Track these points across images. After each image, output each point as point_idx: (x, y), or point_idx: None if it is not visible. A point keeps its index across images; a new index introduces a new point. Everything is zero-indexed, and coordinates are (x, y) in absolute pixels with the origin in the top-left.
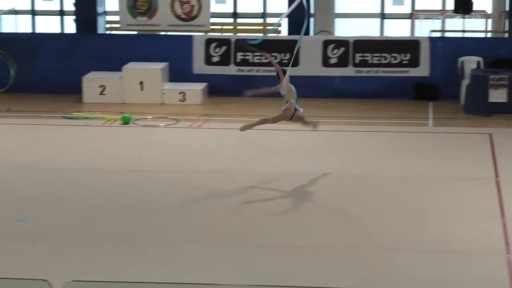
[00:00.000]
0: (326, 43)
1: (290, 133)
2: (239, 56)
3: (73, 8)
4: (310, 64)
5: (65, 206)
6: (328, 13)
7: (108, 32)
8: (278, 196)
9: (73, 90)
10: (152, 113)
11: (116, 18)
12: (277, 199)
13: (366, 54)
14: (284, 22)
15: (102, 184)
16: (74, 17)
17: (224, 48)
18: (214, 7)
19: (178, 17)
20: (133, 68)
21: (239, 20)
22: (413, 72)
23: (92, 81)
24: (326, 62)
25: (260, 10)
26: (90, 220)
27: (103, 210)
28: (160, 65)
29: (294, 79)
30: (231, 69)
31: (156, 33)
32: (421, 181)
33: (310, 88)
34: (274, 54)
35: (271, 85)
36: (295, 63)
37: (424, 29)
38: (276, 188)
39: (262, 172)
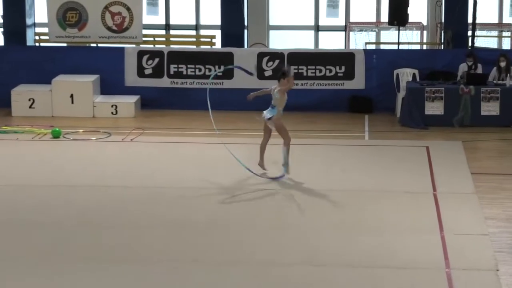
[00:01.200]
0: (261, 56)
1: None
2: (173, 68)
3: (0, 20)
4: (245, 76)
5: None
6: (262, 25)
7: (37, 44)
8: (205, 211)
9: (2, 104)
10: (83, 127)
11: (46, 30)
12: (204, 214)
13: (301, 67)
14: (217, 33)
15: (26, 200)
16: (2, 29)
17: (156, 60)
18: (146, 19)
19: (109, 28)
20: (63, 81)
21: (172, 32)
22: (348, 84)
23: (21, 94)
24: (261, 75)
25: (193, 22)
26: (14, 237)
27: (22, 226)
28: (91, 78)
29: (228, 92)
30: (164, 82)
31: (87, 45)
32: (359, 194)
33: (245, 101)
34: (208, 66)
35: (203, 97)
36: (230, 76)
37: (359, 41)
38: (204, 203)
39: (192, 187)
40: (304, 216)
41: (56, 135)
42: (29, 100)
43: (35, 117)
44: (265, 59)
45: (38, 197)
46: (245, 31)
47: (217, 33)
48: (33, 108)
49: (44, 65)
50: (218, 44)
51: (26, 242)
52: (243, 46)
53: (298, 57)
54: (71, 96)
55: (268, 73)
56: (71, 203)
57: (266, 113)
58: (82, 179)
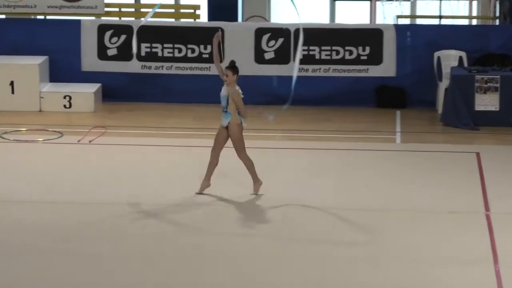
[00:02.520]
0: (260, 32)
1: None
2: (144, 48)
3: None
4: (239, 59)
5: None
6: None
7: None
8: (175, 229)
9: None
10: (26, 124)
11: None
12: (175, 232)
13: (312, 47)
14: (203, 3)
15: None
16: None
17: (123, 37)
18: None
19: None
20: (0, 64)
21: (143, 1)
22: (374, 71)
23: None
24: (260, 58)
25: None
26: None
27: None
28: (37, 60)
29: (218, 79)
30: (133, 66)
31: (31, 17)
32: (388, 215)
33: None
34: (190, 45)
35: (184, 86)
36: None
37: (389, 14)
38: (176, 220)
39: (163, 203)
40: (319, 244)
41: None
42: None
43: None
44: (265, 37)
45: None
46: (240, 0)
47: (203, 3)
48: None
49: None
50: (203, 17)
51: None
52: (236, 20)
53: (309, 35)
54: (11, 84)
55: (269, 55)
56: (3, 224)
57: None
58: (23, 192)
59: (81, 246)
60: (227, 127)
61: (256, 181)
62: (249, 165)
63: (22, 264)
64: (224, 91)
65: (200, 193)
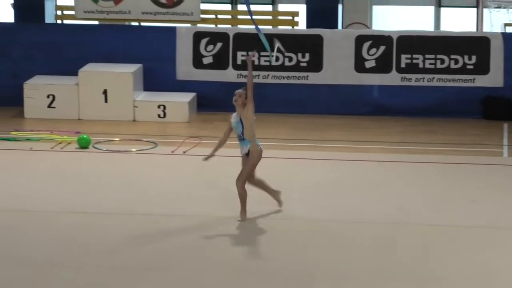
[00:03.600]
0: (360, 40)
1: (301, 163)
2: (240, 56)
3: None
4: (338, 68)
5: None
6: None
7: (59, 21)
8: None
9: (11, 101)
10: (120, 134)
11: (71, 2)
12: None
13: (415, 56)
14: (302, 10)
15: (36, 230)
16: (12, 0)
17: (219, 45)
18: None
19: (156, 1)
20: (93, 72)
21: (240, 7)
22: (481, 80)
23: (37, 88)
24: (360, 66)
25: None
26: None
27: (34, 265)
28: (131, 68)
29: (316, 89)
30: (229, 74)
31: (126, 23)
32: (498, 233)
33: (338, 102)
34: (288, 54)
35: (281, 96)
36: (318, 68)
37: (496, 21)
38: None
39: (256, 215)
40: (429, 264)
41: (83, 145)
42: (48, 97)
43: (56, 120)
44: (366, 44)
45: (51, 229)
46: (340, 6)
47: (301, 9)
48: (53, 107)
49: (68, 50)
50: (302, 24)
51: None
52: (336, 27)
53: (412, 42)
54: (105, 92)
55: (370, 63)
56: (98, 236)
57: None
58: (116, 204)
59: (178, 258)
60: (247, 154)
61: (243, 213)
62: (243, 196)
63: (154, 277)
64: (235, 117)
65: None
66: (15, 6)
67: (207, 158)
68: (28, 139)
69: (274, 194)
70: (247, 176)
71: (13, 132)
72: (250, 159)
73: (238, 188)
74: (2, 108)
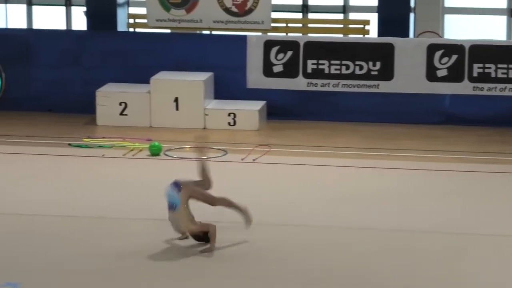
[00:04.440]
0: (432, 49)
1: (372, 172)
2: (311, 64)
3: None
4: (410, 77)
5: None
6: (435, 8)
7: (131, 29)
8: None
9: (84, 108)
10: (190, 142)
11: (143, 11)
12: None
13: (488, 65)
14: (373, 18)
15: (108, 238)
16: (84, 8)
17: (289, 53)
18: None
19: (228, 10)
20: (165, 80)
21: (311, 16)
22: None
23: (109, 96)
24: (431, 75)
25: (340, 2)
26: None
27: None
28: (202, 76)
29: (387, 97)
30: (299, 83)
31: (197, 31)
32: None
33: (409, 111)
34: (358, 62)
35: (351, 104)
36: (389, 76)
37: None
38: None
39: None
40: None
41: (155, 152)
42: (120, 104)
43: (128, 127)
44: (438, 53)
45: (124, 236)
46: (411, 14)
47: (373, 18)
48: (125, 115)
49: (140, 58)
50: (373, 33)
51: None
52: (407, 36)
53: (484, 52)
54: (176, 100)
55: (442, 72)
56: (170, 244)
57: None
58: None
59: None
60: None
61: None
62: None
63: None
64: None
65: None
66: (88, 14)
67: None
68: (100, 146)
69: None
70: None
71: (85, 139)
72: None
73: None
74: (75, 115)
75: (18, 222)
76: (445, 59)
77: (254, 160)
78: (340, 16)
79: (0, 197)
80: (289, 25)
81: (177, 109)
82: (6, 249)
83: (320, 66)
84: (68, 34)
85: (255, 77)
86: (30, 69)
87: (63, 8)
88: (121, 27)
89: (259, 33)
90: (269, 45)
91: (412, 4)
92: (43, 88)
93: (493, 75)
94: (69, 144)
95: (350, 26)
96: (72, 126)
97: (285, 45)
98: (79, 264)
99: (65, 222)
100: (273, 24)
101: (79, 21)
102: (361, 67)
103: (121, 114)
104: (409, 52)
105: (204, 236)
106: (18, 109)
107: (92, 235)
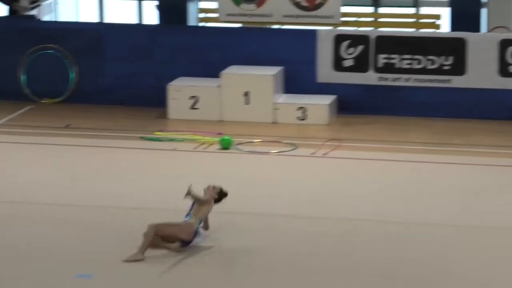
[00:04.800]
0: (504, 44)
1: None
2: (381, 59)
3: None
4: (482, 72)
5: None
6: (507, 3)
7: (202, 24)
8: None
9: (155, 102)
10: (260, 136)
11: (213, 5)
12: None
13: None
14: (445, 12)
15: None
16: (156, 2)
17: (360, 48)
18: None
19: (298, 4)
20: (235, 74)
21: (382, 10)
22: None
23: (180, 90)
24: (504, 70)
25: None
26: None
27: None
28: (273, 70)
29: (459, 92)
30: (370, 77)
31: (267, 26)
32: None
33: (481, 106)
34: (430, 57)
35: (422, 99)
36: (461, 71)
37: None
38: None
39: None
40: None
41: (225, 146)
42: (191, 98)
43: (199, 121)
44: (510, 49)
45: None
46: (484, 10)
47: (444, 12)
48: (196, 109)
49: (211, 53)
50: (444, 27)
51: None
52: (479, 31)
53: None
54: (246, 94)
55: None
56: (241, 237)
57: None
58: (255, 204)
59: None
60: None
61: (139, 253)
62: (148, 237)
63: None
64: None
65: None
66: (160, 8)
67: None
68: (172, 140)
69: (168, 246)
70: (166, 228)
71: (157, 132)
72: (183, 227)
73: (149, 229)
74: (146, 109)
75: (89, 213)
76: None
77: (324, 154)
78: (411, 10)
79: (72, 189)
80: (360, 19)
81: (247, 103)
82: (79, 240)
83: (391, 61)
84: (140, 28)
85: (325, 71)
86: (102, 63)
87: (135, 2)
88: (191, 21)
89: (329, 27)
90: (339, 39)
91: None
92: (114, 81)
93: None
94: (141, 138)
95: (421, 20)
96: (143, 119)
97: (356, 39)
98: (150, 256)
99: (135, 214)
100: (343, 18)
101: (151, 15)
102: (432, 62)
103: (192, 108)
104: (481, 47)
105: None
106: (90, 102)
107: None
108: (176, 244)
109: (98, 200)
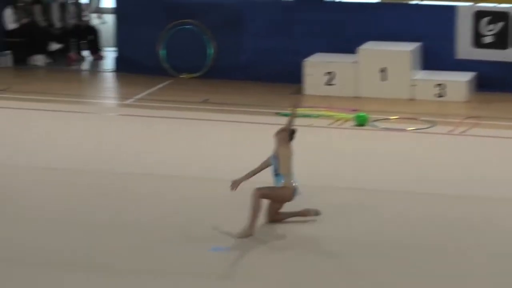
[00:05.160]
0: None
1: None
2: None
3: None
4: None
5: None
6: None
7: None
8: None
9: (291, 78)
10: (397, 112)
11: None
12: None
13: None
14: None
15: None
16: None
17: (500, 24)
18: None
19: None
20: (372, 50)
21: None
22: None
23: (316, 66)
24: None
25: None
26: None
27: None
28: (410, 46)
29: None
30: (510, 54)
31: (405, 1)
32: None
33: None
34: None
35: None
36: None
37: None
38: None
39: None
40: None
41: (361, 122)
42: (327, 74)
43: (334, 97)
44: None
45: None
46: None
47: None
48: (332, 85)
49: (348, 28)
50: None
51: None
52: None
53: None
54: (383, 70)
55: None
56: (375, 215)
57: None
58: (391, 183)
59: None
60: None
61: (251, 227)
62: (257, 208)
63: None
64: (273, 151)
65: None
66: None
67: (234, 186)
68: (307, 115)
69: (305, 213)
70: (268, 195)
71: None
72: (281, 194)
73: (254, 197)
74: (282, 84)
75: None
76: None
77: (461, 133)
78: None
79: (211, 163)
80: None
81: (383, 79)
82: (216, 213)
83: None
84: (277, 4)
85: (464, 48)
86: (239, 38)
87: None
88: None
89: (469, 3)
90: (479, 15)
91: None
92: (252, 57)
93: None
94: (277, 113)
95: None
96: (279, 95)
97: (496, 16)
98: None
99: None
100: None
101: None
102: None
103: (328, 84)
104: None
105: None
106: (227, 78)
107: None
108: (314, 210)
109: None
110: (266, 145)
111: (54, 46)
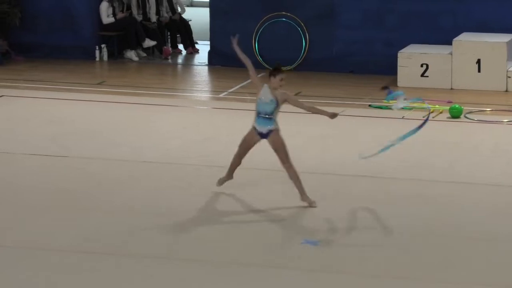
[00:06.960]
0: None
1: None
2: None
3: None
4: None
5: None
6: None
7: None
8: None
9: (384, 70)
10: (492, 104)
11: None
12: None
13: None
14: None
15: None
16: None
17: None
18: None
19: None
20: (467, 41)
21: None
22: None
23: (410, 57)
24: None
25: None
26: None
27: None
28: (506, 38)
29: None
30: None
31: None
32: None
33: None
34: None
35: None
36: None
37: None
38: None
39: None
40: None
41: (455, 114)
42: (421, 66)
43: (428, 89)
44: None
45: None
46: None
47: None
48: (426, 76)
49: (443, 19)
50: None
51: None
52: None
53: None
54: (478, 62)
55: None
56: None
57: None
58: (484, 176)
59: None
60: (262, 134)
61: (304, 196)
62: (295, 178)
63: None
64: (267, 93)
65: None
66: None
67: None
68: (401, 108)
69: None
70: (287, 154)
71: (385, 100)
72: (274, 139)
73: (289, 169)
74: (375, 76)
75: (318, 180)
76: None
77: None
78: None
79: (300, 155)
80: None
81: (479, 71)
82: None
83: None
84: None
85: None
86: (332, 30)
87: None
88: None
89: None
90: None
91: None
92: (344, 48)
93: None
94: (369, 105)
95: None
96: (372, 87)
97: None
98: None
99: (365, 182)
100: None
101: None
102: None
103: (422, 75)
104: None
105: None
106: (320, 70)
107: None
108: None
109: (328, 168)
110: (359, 138)
111: (149, 43)
